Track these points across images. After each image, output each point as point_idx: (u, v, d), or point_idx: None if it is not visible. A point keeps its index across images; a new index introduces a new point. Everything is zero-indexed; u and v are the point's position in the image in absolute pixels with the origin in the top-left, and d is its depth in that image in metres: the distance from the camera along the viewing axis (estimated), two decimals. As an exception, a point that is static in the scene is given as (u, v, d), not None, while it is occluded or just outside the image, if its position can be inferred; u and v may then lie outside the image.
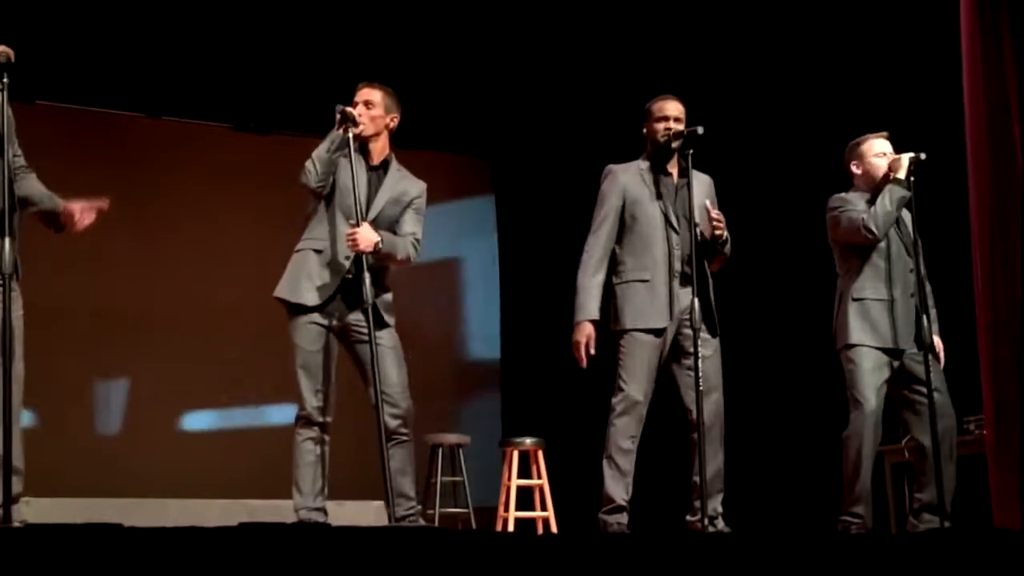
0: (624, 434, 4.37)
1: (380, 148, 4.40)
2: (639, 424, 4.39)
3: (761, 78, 6.75)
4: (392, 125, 4.42)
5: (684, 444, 4.42)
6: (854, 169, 4.69)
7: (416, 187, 4.46)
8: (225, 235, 7.26)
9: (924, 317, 4.46)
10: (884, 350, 4.51)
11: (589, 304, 4.42)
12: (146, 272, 7.05)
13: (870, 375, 4.48)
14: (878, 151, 4.65)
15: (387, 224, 4.36)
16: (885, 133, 4.70)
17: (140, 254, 7.07)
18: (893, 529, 5.58)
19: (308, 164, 4.23)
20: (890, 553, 3.44)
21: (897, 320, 4.52)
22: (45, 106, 6.54)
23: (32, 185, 3.87)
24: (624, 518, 4.39)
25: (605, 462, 4.40)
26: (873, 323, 4.51)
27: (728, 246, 4.56)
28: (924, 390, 4.42)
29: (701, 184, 4.56)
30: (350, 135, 4.22)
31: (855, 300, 4.53)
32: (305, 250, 4.32)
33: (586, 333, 4.40)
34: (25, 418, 3.77)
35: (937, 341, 4.59)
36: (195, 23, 6.57)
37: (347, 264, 4.25)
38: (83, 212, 3.92)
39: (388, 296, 4.32)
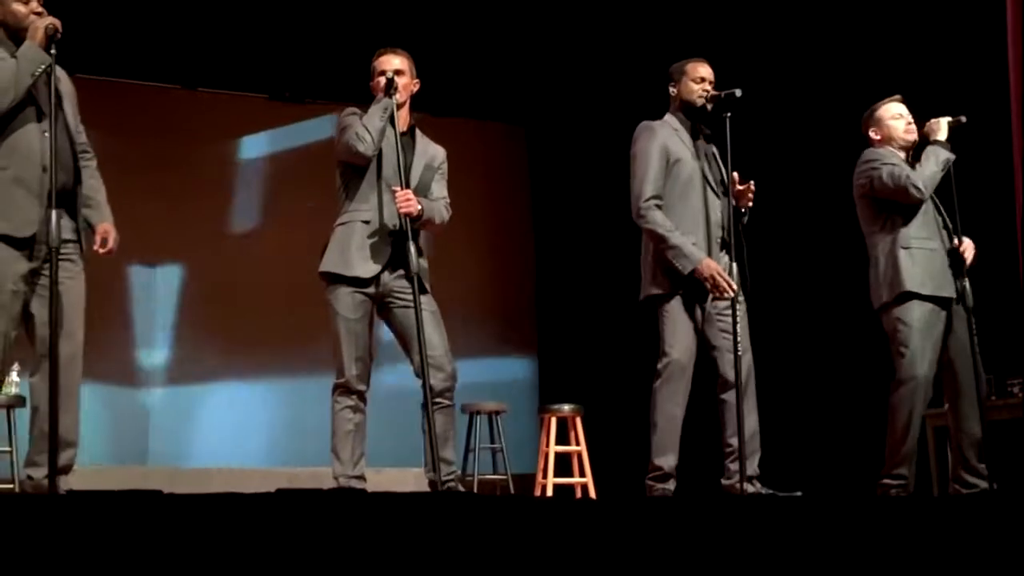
0: (671, 399, 4.32)
1: (406, 115, 4.39)
2: (686, 388, 4.34)
3: (795, 40, 6.66)
4: (415, 90, 4.42)
5: (715, 407, 4.39)
6: (872, 135, 4.66)
7: (441, 151, 4.47)
8: (264, 205, 7.29)
9: (965, 280, 4.41)
10: (937, 300, 4.45)
11: (693, 251, 4.28)
12: (185, 243, 7.10)
13: (922, 335, 4.42)
14: (894, 113, 4.63)
15: (424, 190, 4.35)
16: (898, 96, 4.68)
17: (178, 225, 7.12)
18: (935, 492, 5.53)
19: (362, 133, 4.17)
20: (932, 516, 3.41)
21: (944, 270, 4.48)
22: (83, 79, 6.56)
23: (86, 182, 3.82)
24: (671, 485, 4.34)
25: (652, 429, 4.34)
26: (926, 270, 4.45)
27: (746, 217, 4.51)
28: (960, 349, 4.41)
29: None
30: (395, 102, 4.22)
31: (904, 248, 4.46)
32: (351, 222, 4.26)
33: (713, 265, 4.27)
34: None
35: (966, 241, 4.54)
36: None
37: (395, 232, 4.24)
38: (111, 240, 3.87)
39: (425, 262, 4.32)
